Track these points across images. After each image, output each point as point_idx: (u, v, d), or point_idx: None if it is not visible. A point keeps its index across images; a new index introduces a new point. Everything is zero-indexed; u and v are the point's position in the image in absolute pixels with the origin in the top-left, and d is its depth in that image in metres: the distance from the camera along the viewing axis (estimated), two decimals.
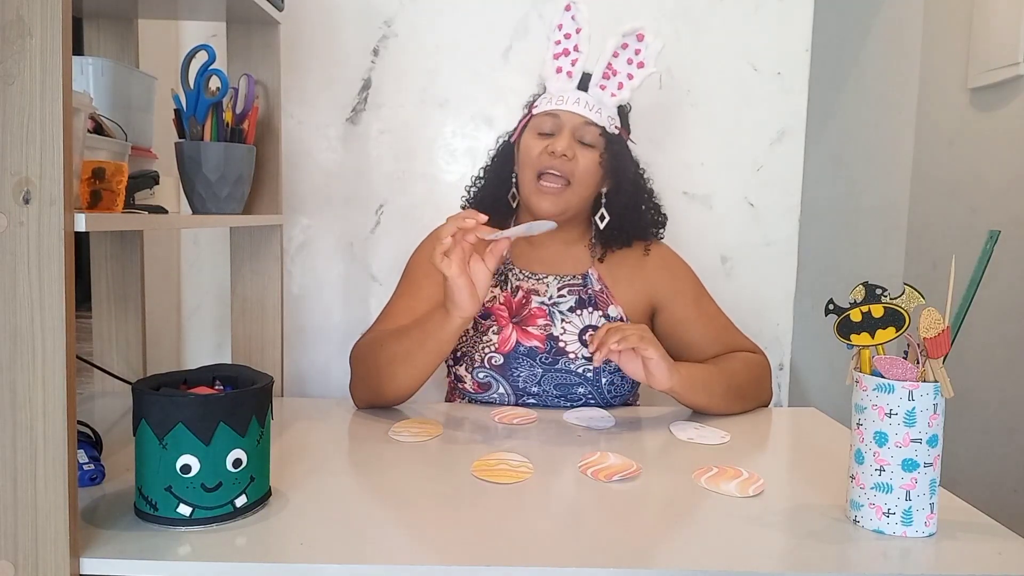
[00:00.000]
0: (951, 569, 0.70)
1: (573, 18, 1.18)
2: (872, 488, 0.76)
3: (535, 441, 1.04)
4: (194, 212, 1.13)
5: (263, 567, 0.68)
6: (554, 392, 1.20)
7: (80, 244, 0.67)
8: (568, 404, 1.21)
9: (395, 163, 1.61)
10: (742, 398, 1.20)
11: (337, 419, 1.14)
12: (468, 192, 1.31)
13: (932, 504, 0.76)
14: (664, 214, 1.29)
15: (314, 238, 1.62)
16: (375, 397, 1.15)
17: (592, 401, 1.21)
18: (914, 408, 0.74)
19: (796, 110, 1.62)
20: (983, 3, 1.69)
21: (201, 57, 1.08)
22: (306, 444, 1.01)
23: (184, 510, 0.73)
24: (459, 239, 0.99)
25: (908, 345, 0.77)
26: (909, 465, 0.74)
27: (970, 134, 1.75)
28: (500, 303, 1.22)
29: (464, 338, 1.22)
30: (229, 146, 1.10)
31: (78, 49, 1.19)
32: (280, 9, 1.24)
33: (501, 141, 1.30)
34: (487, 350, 1.20)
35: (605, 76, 1.17)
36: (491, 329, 1.20)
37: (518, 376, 1.19)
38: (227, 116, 1.11)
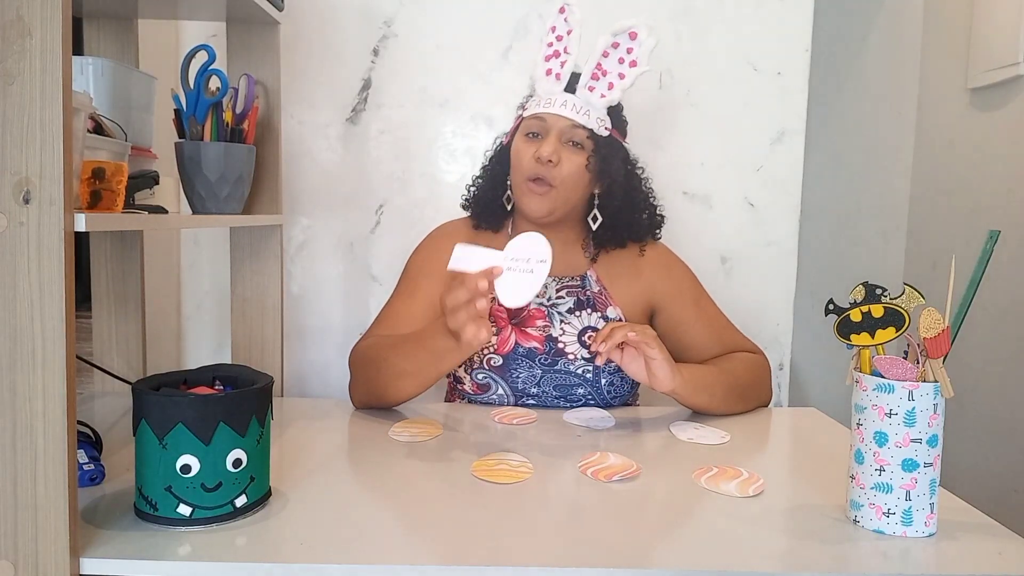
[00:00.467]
0: (951, 569, 0.70)
1: (566, 20, 1.17)
2: (872, 488, 0.76)
3: (535, 441, 1.04)
4: (194, 212, 1.13)
5: (263, 567, 0.68)
6: (553, 393, 1.20)
7: (80, 244, 0.67)
8: (568, 405, 1.21)
9: (395, 163, 1.61)
10: (743, 399, 1.20)
11: (337, 419, 1.14)
12: (468, 192, 1.31)
13: (932, 504, 0.76)
14: (662, 215, 1.28)
15: (314, 238, 1.62)
16: (376, 401, 1.15)
17: (592, 402, 1.21)
18: (914, 408, 0.74)
19: (796, 110, 1.62)
20: (983, 3, 1.69)
21: (201, 57, 1.08)
22: (306, 444, 1.01)
23: (184, 510, 0.73)
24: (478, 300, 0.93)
25: (908, 345, 0.77)
26: (909, 465, 0.74)
27: (970, 134, 1.75)
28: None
29: None
30: (229, 146, 1.10)
31: (78, 49, 1.19)
32: (280, 9, 1.24)
33: (497, 143, 1.30)
34: (486, 351, 1.20)
35: (594, 77, 1.15)
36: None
37: (517, 377, 1.19)
38: (227, 116, 1.11)
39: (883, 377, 0.75)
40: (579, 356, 1.19)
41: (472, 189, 1.30)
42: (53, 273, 0.63)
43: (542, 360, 1.19)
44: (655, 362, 1.06)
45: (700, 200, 1.64)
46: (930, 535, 0.76)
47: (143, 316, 1.29)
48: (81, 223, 0.65)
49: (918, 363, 0.76)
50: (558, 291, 1.23)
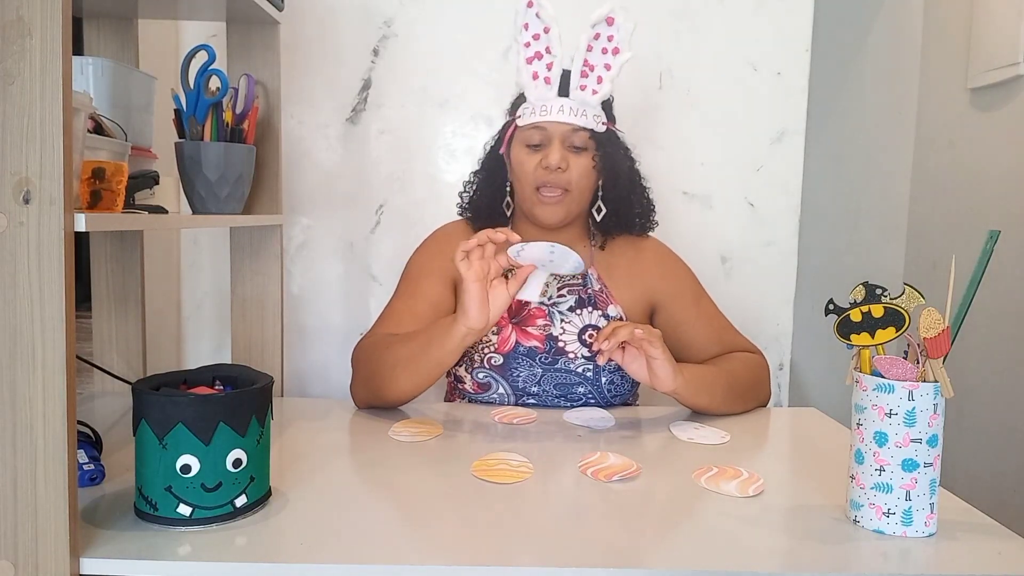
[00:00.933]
0: (951, 569, 0.70)
1: (538, 15, 1.13)
2: (872, 488, 0.76)
3: (535, 441, 1.04)
4: (194, 212, 1.13)
5: (263, 567, 0.68)
6: (554, 392, 1.20)
7: (80, 244, 0.67)
8: (568, 404, 1.21)
9: (395, 163, 1.61)
10: (742, 399, 1.20)
11: (337, 419, 1.14)
12: (461, 199, 1.30)
13: (932, 504, 0.76)
14: (652, 200, 1.28)
15: (314, 238, 1.62)
16: (375, 399, 1.15)
17: (592, 401, 1.21)
18: (914, 408, 0.74)
19: (796, 110, 1.62)
20: (983, 3, 1.69)
21: (201, 57, 1.08)
22: (306, 444, 1.01)
23: (184, 510, 0.73)
24: (486, 248, 0.98)
25: (908, 345, 0.77)
26: (909, 465, 0.74)
27: (970, 134, 1.75)
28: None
29: None
30: (229, 146, 1.10)
31: (78, 49, 1.19)
32: (280, 9, 1.24)
33: (488, 148, 1.28)
34: (487, 350, 1.20)
35: (583, 75, 1.14)
36: (491, 329, 1.20)
37: (518, 376, 1.19)
38: (227, 116, 1.11)
39: (883, 377, 0.75)
40: (579, 355, 1.19)
41: (466, 196, 1.29)
42: (53, 273, 0.63)
43: (542, 359, 1.19)
44: (657, 362, 1.06)
45: (700, 200, 1.64)
46: (930, 535, 0.76)
47: (143, 316, 1.29)
48: (81, 223, 0.65)
49: (918, 363, 0.76)
50: (559, 289, 1.23)
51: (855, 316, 0.77)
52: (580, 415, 1.16)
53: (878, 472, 0.76)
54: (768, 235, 1.65)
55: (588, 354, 1.19)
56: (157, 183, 1.06)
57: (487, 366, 1.20)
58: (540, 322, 1.21)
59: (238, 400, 0.74)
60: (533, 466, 0.92)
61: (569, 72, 1.15)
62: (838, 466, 0.94)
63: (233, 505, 0.75)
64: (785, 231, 1.65)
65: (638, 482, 0.90)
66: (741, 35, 1.60)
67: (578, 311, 1.22)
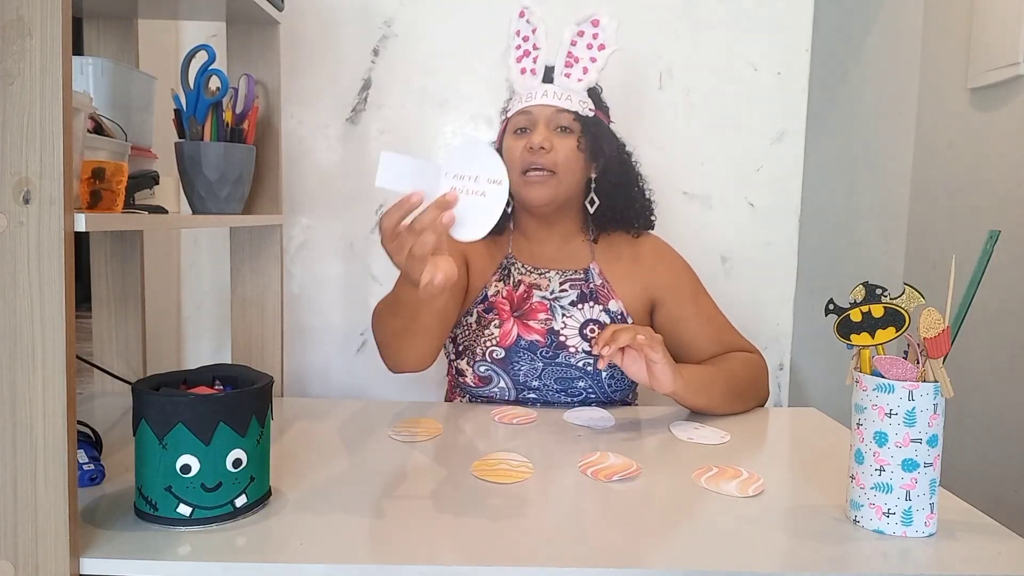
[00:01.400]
0: (951, 569, 0.70)
1: (528, 21, 1.20)
2: (872, 488, 0.76)
3: (535, 441, 1.04)
4: (194, 212, 1.13)
5: (263, 567, 0.68)
6: (555, 386, 1.20)
7: (80, 244, 0.67)
8: (568, 398, 1.21)
9: None
10: (741, 399, 1.20)
11: (337, 419, 1.14)
12: None
13: (932, 504, 0.76)
14: (651, 198, 1.30)
15: (314, 238, 1.62)
16: (396, 366, 1.13)
17: (592, 395, 1.21)
18: (914, 408, 0.74)
19: (796, 110, 1.62)
20: (983, 3, 1.69)
21: (201, 57, 1.08)
22: (306, 444, 1.01)
23: (184, 510, 0.73)
24: (415, 225, 0.79)
25: (908, 345, 0.77)
26: (909, 465, 0.74)
27: (970, 134, 1.75)
28: (502, 297, 1.23)
29: (466, 331, 1.23)
30: (229, 146, 1.10)
31: (78, 49, 1.19)
32: (280, 9, 1.24)
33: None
34: (488, 344, 1.20)
35: (568, 65, 1.19)
36: (492, 323, 1.21)
37: (519, 370, 1.20)
38: (227, 116, 1.11)
39: (883, 377, 0.75)
40: (580, 349, 1.20)
41: None
42: (53, 273, 0.63)
43: (543, 353, 1.20)
44: (657, 365, 1.07)
45: (700, 200, 1.64)
46: (930, 535, 0.76)
47: (143, 316, 1.29)
48: (81, 223, 0.65)
49: (918, 363, 0.76)
50: (561, 284, 1.24)
51: (855, 316, 0.77)
52: (580, 415, 1.16)
53: (878, 472, 0.76)
54: (768, 235, 1.65)
55: (589, 348, 1.20)
56: (157, 183, 1.06)
57: (489, 359, 1.20)
58: (542, 316, 1.21)
59: (238, 400, 0.74)
60: (533, 466, 0.92)
61: (553, 67, 1.20)
62: (838, 466, 0.94)
63: (233, 505, 0.75)
64: (785, 231, 1.65)
65: (638, 482, 0.90)
66: (741, 35, 1.60)
67: (579, 306, 1.22)
